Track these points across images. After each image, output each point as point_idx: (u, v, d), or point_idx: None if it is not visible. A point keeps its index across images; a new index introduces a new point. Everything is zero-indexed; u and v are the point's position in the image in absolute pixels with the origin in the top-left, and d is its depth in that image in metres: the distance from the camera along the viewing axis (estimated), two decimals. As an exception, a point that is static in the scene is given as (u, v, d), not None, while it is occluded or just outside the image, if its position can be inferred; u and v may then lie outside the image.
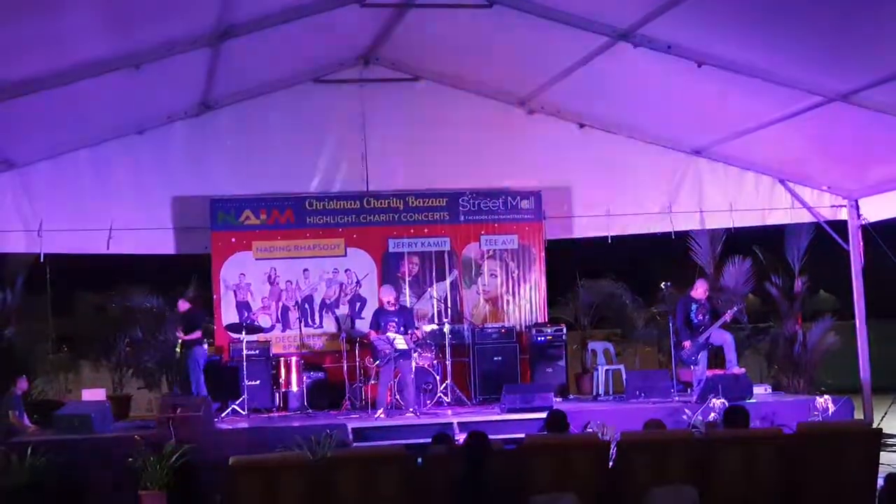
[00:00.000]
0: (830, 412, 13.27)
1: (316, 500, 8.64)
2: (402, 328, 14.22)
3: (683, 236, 17.48)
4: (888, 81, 11.80)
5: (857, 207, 15.92)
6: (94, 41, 11.50)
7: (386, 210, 16.09)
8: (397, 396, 14.32)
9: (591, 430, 12.20)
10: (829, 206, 16.35)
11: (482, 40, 14.04)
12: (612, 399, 15.40)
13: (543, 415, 11.11)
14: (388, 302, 14.50)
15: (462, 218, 16.24)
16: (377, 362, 14.23)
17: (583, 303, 18.62)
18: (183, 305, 15.08)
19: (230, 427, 13.56)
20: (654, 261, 19.47)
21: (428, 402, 14.59)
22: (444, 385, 14.98)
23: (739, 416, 9.79)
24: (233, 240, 15.75)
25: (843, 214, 16.18)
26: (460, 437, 10.94)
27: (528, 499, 8.30)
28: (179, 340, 14.58)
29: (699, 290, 14.81)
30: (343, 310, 15.93)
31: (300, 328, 15.59)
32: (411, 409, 13.90)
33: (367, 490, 8.71)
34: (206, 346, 14.95)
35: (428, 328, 15.34)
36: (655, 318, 17.85)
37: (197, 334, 14.67)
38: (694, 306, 14.65)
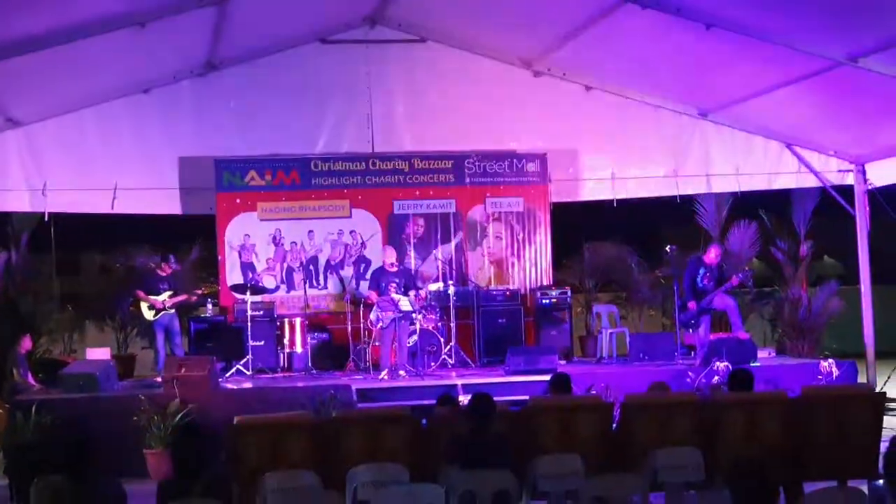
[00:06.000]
0: (834, 376, 13.29)
1: (320, 461, 8.64)
2: (402, 289, 14.24)
3: (689, 200, 17.41)
4: (896, 45, 11.74)
5: (864, 172, 15.91)
6: (99, -1, 11.47)
7: (391, 172, 16.06)
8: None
9: (594, 391, 12.22)
10: (835, 171, 16.35)
11: (489, 1, 13.95)
12: (616, 361, 15.42)
13: (547, 377, 11.10)
14: (391, 263, 14.52)
15: (468, 180, 16.20)
16: (379, 325, 14.22)
17: (588, 266, 18.57)
18: (170, 268, 15.04)
19: (235, 387, 13.62)
20: (660, 224, 19.41)
21: (432, 363, 14.62)
22: (448, 347, 15.01)
23: (744, 378, 9.77)
24: (238, 200, 15.73)
25: (849, 179, 16.17)
26: (464, 399, 10.94)
27: (532, 460, 8.30)
28: (165, 302, 14.56)
29: (711, 254, 14.70)
30: (348, 271, 15.91)
31: (305, 289, 15.58)
32: (401, 371, 13.98)
33: (372, 450, 8.71)
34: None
35: (433, 287, 15.33)
36: (660, 282, 17.80)
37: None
38: (702, 270, 14.50)
